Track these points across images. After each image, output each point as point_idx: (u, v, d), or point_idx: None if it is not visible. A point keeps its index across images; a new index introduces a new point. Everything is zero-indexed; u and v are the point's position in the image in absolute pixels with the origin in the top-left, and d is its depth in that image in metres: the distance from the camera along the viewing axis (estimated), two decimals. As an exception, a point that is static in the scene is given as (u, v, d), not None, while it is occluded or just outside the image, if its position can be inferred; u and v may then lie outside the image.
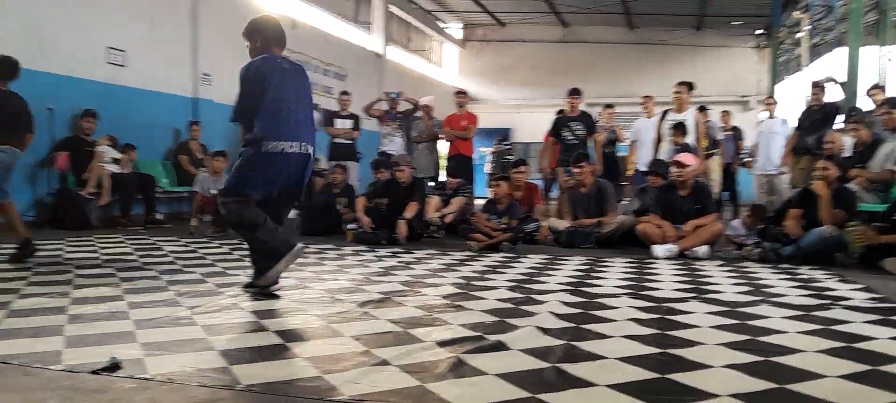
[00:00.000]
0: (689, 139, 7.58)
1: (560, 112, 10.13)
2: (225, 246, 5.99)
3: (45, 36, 7.77)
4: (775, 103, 9.72)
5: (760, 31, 19.47)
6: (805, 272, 4.88)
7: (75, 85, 8.08)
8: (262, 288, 3.74)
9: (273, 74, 3.81)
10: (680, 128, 7.46)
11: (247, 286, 3.83)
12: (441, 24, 20.46)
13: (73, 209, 7.45)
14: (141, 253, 5.49)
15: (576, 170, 6.93)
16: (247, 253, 4.02)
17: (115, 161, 8.05)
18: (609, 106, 10.28)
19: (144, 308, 3.32)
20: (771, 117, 9.39)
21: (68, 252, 5.45)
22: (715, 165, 9.44)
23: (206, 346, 2.64)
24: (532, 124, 12.21)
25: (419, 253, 5.76)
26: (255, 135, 3.73)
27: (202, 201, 7.36)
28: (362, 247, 6.18)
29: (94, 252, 5.49)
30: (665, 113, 7.87)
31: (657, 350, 2.64)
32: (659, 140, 7.84)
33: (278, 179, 3.78)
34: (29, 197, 7.55)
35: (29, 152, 7.47)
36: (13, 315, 3.13)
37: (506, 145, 16.91)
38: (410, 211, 6.63)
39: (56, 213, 7.46)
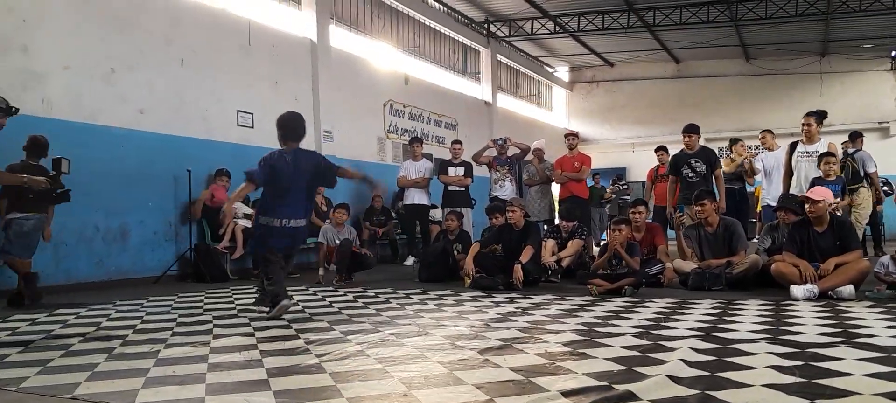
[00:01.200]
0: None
1: (660, 149, 9.85)
2: (350, 295, 6.18)
3: (184, 103, 8.50)
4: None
5: (895, 53, 18.05)
6: (973, 313, 4.37)
7: (210, 147, 8.76)
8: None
9: (279, 166, 4.99)
10: (830, 156, 7.01)
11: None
12: (549, 69, 20.50)
13: (210, 263, 7.99)
14: (271, 303, 5.76)
15: (697, 208, 6.64)
16: (372, 300, 4.27)
17: (247, 216, 8.57)
18: (736, 140, 9.82)
19: (276, 356, 3.47)
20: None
21: (208, 303, 5.83)
22: (864, 199, 8.76)
23: (335, 394, 2.71)
24: (648, 162, 11.88)
25: (537, 299, 5.68)
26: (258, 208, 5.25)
27: (328, 251, 7.67)
28: (480, 293, 6.18)
29: (231, 302, 5.83)
30: (794, 145, 7.41)
31: (804, 401, 2.43)
32: (790, 173, 7.37)
33: (277, 242, 5.06)
34: (172, 253, 8.18)
35: (171, 211, 8.16)
36: (160, 363, 3.36)
37: (623, 185, 16.55)
38: (526, 255, 6.57)
39: (197, 267, 8.03)
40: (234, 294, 6.51)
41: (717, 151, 8.33)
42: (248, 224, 8.51)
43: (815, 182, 6.88)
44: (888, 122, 18.21)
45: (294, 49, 10.35)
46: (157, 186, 8.08)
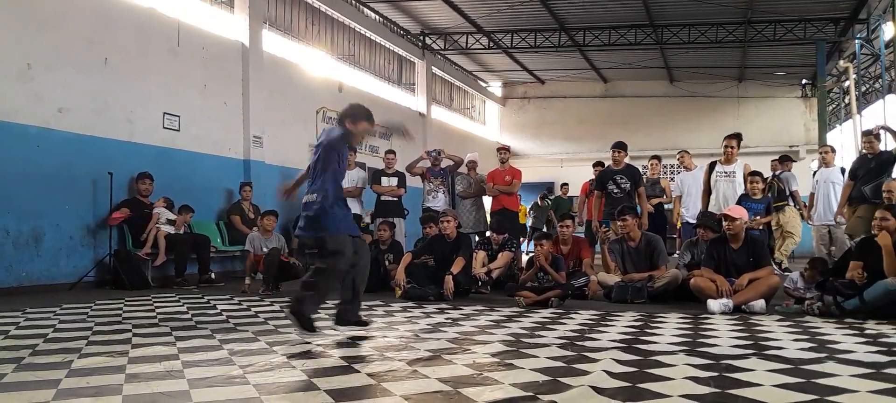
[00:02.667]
0: (739, 190, 7.47)
1: (597, 164, 10.12)
2: (276, 305, 6.06)
3: (107, 104, 8.17)
4: (833, 152, 9.42)
5: (806, 81, 19.20)
6: (872, 327, 4.67)
7: (134, 149, 8.44)
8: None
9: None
10: (759, 176, 7.42)
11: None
12: (482, 83, 20.78)
13: (131, 269, 7.68)
14: (195, 311, 5.60)
15: (620, 223, 6.86)
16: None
17: (171, 222, 8.31)
18: (655, 158, 10.20)
19: (198, 367, 3.37)
20: (828, 166, 9.10)
21: (127, 311, 5.60)
22: (791, 217, 9.28)
23: (261, 405, 2.66)
24: (577, 177, 12.23)
25: (467, 309, 5.73)
26: None
27: (255, 259, 7.50)
28: (410, 303, 6.18)
29: (151, 311, 5.62)
30: (713, 164, 7.77)
31: (719, 410, 2.55)
32: (708, 192, 7.72)
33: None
34: (89, 258, 7.82)
35: (90, 215, 7.82)
36: (73, 374, 3.21)
37: (551, 199, 16.87)
38: (457, 266, 6.62)
39: (116, 274, 7.70)
40: (154, 301, 6.28)
41: (640, 169, 8.62)
42: (172, 229, 8.25)
43: (742, 200, 7.23)
44: (798, 146, 19.31)
45: (225, 52, 10.12)
46: (76, 189, 7.72)
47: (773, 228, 9.74)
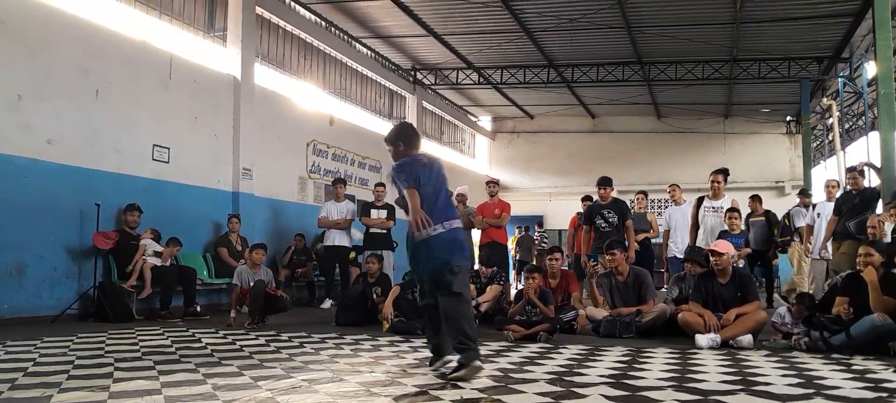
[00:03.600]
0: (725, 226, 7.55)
1: (586, 198, 10.17)
2: (262, 338, 6.00)
3: (97, 135, 8.16)
4: (837, 186, 9.31)
5: (790, 118, 19.50)
6: (859, 362, 4.68)
7: (122, 181, 8.41)
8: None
9: (422, 172, 4.38)
10: (735, 212, 7.51)
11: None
12: (472, 118, 20.93)
13: (115, 301, 7.59)
14: (179, 345, 5.53)
15: (608, 258, 6.87)
16: (285, 344, 4.13)
17: (158, 254, 8.24)
18: (642, 192, 10.26)
19: (181, 402, 3.32)
20: (829, 200, 9.04)
21: (109, 344, 5.52)
22: (795, 254, 9.35)
23: (244, 441, 2.62)
24: (565, 211, 12.30)
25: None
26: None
27: (241, 292, 7.44)
28: (398, 337, 6.13)
29: (135, 344, 5.55)
30: (701, 199, 7.84)
31: (706, 446, 2.53)
32: (696, 226, 7.77)
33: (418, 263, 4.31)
34: (73, 290, 7.72)
35: (76, 247, 7.75)
36: (55, 409, 3.15)
37: (541, 232, 16.99)
38: (445, 301, 6.58)
39: (100, 306, 7.60)
40: (138, 334, 6.20)
41: (629, 203, 8.67)
42: (158, 262, 8.18)
43: (722, 235, 7.28)
44: (783, 181, 19.52)
45: (216, 85, 10.15)
46: (61, 219, 7.66)
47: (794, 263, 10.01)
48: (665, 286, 8.12)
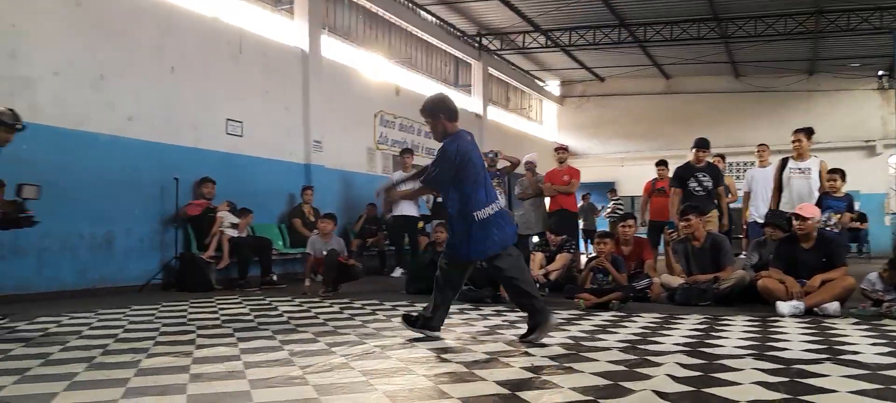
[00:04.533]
0: (815, 188, 7.15)
1: (660, 163, 9.83)
2: (336, 306, 6.14)
3: (173, 111, 8.46)
4: None
5: (882, 73, 18.23)
6: (957, 331, 4.39)
7: (198, 155, 8.70)
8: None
9: (471, 151, 4.28)
10: (839, 173, 7.07)
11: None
12: (539, 83, 20.59)
13: (195, 272, 7.92)
14: (257, 313, 5.72)
15: (683, 224, 6.65)
16: (358, 312, 4.27)
17: (234, 225, 8.53)
18: (720, 156, 9.87)
19: (259, 367, 3.43)
20: None
21: (191, 312, 5.77)
22: None
23: (318, 406, 2.67)
24: (638, 177, 11.98)
25: (524, 312, 5.65)
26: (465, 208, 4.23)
27: (314, 262, 7.62)
28: (467, 305, 6.15)
29: (215, 313, 5.77)
30: (785, 161, 7.44)
31: (791, 418, 2.42)
32: (779, 189, 7.40)
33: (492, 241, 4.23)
34: (156, 261, 8.10)
35: (157, 219, 8.10)
36: (141, 373, 3.31)
37: (616, 198, 16.68)
38: (514, 268, 6.54)
39: (181, 276, 7.95)
40: (218, 303, 6.45)
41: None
42: (235, 233, 8.46)
43: (823, 198, 6.91)
44: (874, 141, 18.39)
45: (285, 59, 10.34)
46: (144, 193, 8.01)
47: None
48: (744, 252, 7.81)
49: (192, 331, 4.68)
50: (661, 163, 9.99)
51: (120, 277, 7.68)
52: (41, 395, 2.87)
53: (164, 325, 4.99)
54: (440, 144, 4.37)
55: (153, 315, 5.61)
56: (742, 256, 7.44)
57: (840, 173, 7.17)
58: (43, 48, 7.07)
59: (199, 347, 4.03)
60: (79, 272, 7.30)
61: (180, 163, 8.36)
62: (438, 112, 4.34)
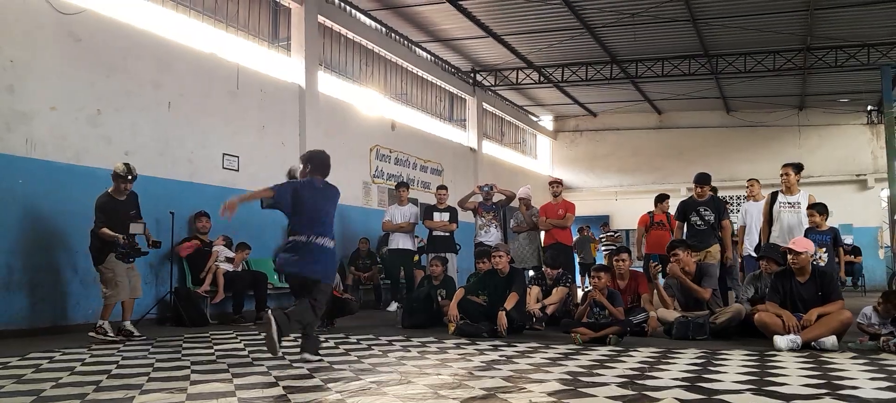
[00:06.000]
0: (804, 221, 7.20)
1: (660, 198, 9.87)
2: (331, 341, 6.09)
3: (169, 146, 8.48)
4: None
5: (871, 108, 18.47)
6: (954, 365, 4.39)
7: (194, 189, 8.70)
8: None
9: (305, 191, 5.26)
10: (820, 208, 7.12)
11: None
12: (533, 117, 20.76)
13: (190, 306, 7.86)
14: (252, 348, 5.67)
15: (672, 259, 6.70)
16: (353, 347, 4.63)
17: (229, 260, 8.49)
18: (711, 189, 9.92)
19: (256, 403, 3.39)
20: None
21: (186, 348, 5.71)
22: None
23: (316, 443, 2.65)
24: (632, 210, 12.02)
25: (521, 347, 5.63)
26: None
27: (308, 297, 7.57)
28: (464, 340, 6.12)
29: (210, 348, 5.72)
30: (774, 195, 7.51)
31: (791, 454, 2.41)
32: (769, 223, 7.46)
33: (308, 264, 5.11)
34: (152, 296, 8.04)
35: (153, 254, 8.05)
36: (136, 410, 3.27)
37: (610, 232, 16.69)
38: (511, 302, 6.54)
39: (176, 311, 7.89)
40: (213, 338, 6.40)
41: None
42: (230, 267, 8.43)
43: (808, 233, 6.96)
44: (866, 175, 18.54)
45: (282, 94, 10.40)
46: (139, 228, 7.97)
47: None
48: (740, 285, 7.82)
49: (187, 367, 4.64)
50: (662, 198, 10.03)
51: (114, 312, 7.59)
52: (34, 433, 2.83)
53: (158, 361, 4.94)
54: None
55: (147, 350, 5.56)
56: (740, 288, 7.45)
57: (819, 207, 7.22)
58: (41, 83, 7.10)
59: (194, 383, 4.00)
60: (72, 306, 7.23)
61: (176, 198, 8.35)
62: (307, 162, 5.52)
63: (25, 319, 6.77)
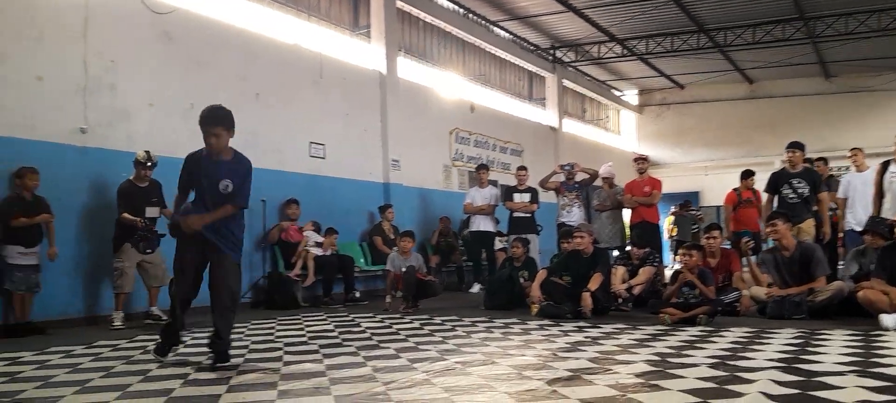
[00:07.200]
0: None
1: (746, 174, 9.37)
2: (416, 322, 6.20)
3: (258, 136, 8.80)
4: None
5: None
6: None
7: (284, 178, 9.01)
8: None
9: (193, 166, 4.60)
10: None
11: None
12: (616, 92, 20.23)
13: (282, 290, 8.18)
14: (341, 329, 5.85)
15: (768, 229, 6.37)
16: (438, 327, 4.46)
17: (318, 244, 8.78)
18: (822, 159, 9.37)
19: (344, 383, 3.51)
20: None
21: (279, 330, 5.96)
22: None
23: (402, 422, 2.71)
24: (723, 186, 11.49)
25: (607, 328, 5.54)
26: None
27: (394, 278, 7.74)
28: (547, 322, 6.08)
29: (301, 330, 5.95)
30: (886, 164, 6.99)
31: (899, 440, 2.27)
32: (880, 195, 6.96)
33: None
34: (246, 281, 8.41)
35: (246, 240, 8.40)
36: (232, 390, 3.45)
37: (693, 210, 16.10)
38: (595, 283, 6.44)
39: (269, 294, 8.24)
40: (304, 321, 6.64)
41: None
42: (319, 252, 8.71)
43: None
44: None
45: (364, 81, 10.60)
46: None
47: None
48: (841, 262, 7.39)
49: (280, 348, 4.84)
50: (748, 174, 9.56)
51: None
52: (143, 410, 3.03)
53: (253, 343, 5.18)
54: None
55: (243, 332, 5.83)
56: (840, 265, 7.03)
57: None
58: (139, 81, 7.52)
59: (287, 363, 4.17)
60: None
61: (266, 186, 8.67)
62: (233, 125, 4.50)
63: (133, 304, 7.22)
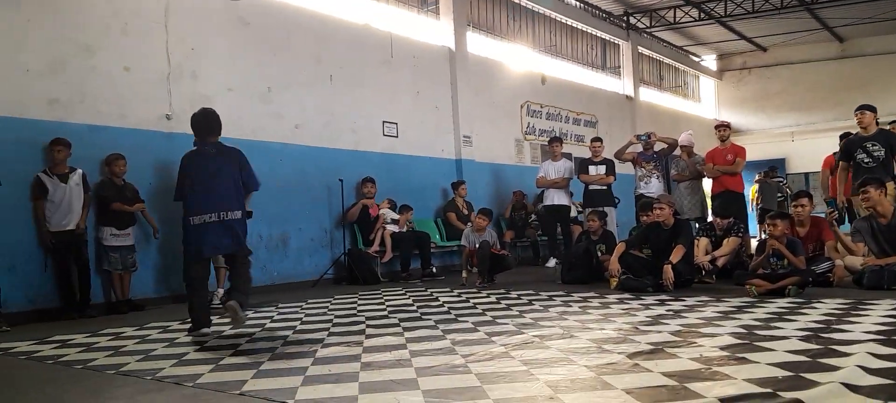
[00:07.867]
0: None
1: (844, 136, 8.87)
2: (493, 296, 6.22)
3: (334, 117, 8.99)
4: None
5: None
6: None
7: (359, 157, 9.18)
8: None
9: (192, 165, 4.84)
10: None
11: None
12: (694, 58, 19.49)
13: (363, 266, 8.39)
14: (420, 304, 5.94)
15: (862, 197, 6.01)
16: (515, 302, 4.70)
17: (395, 221, 8.93)
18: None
19: (424, 356, 3.56)
20: None
21: (361, 304, 6.11)
22: None
23: (481, 395, 2.73)
24: (812, 152, 10.86)
25: (690, 301, 5.40)
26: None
27: (469, 253, 7.78)
28: (627, 295, 5.97)
29: (382, 304, 6.07)
30: None
31: None
32: None
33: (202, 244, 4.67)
34: (327, 257, 8.66)
35: (326, 219, 8.65)
36: (318, 362, 3.56)
37: (778, 178, 15.39)
38: (676, 255, 6.26)
39: (350, 271, 8.47)
40: (384, 295, 6.77)
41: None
42: (397, 228, 8.86)
43: None
44: None
45: (433, 58, 10.62)
46: (313, 196, 8.59)
47: None
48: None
49: (362, 322, 4.96)
50: (846, 136, 9.01)
51: (295, 273, 8.29)
52: (233, 382, 3.18)
53: (337, 317, 5.32)
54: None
55: (327, 307, 6.01)
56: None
57: None
58: (218, 67, 7.79)
59: (369, 337, 4.27)
60: (260, 269, 7.95)
61: (343, 166, 8.87)
62: (193, 130, 4.94)
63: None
